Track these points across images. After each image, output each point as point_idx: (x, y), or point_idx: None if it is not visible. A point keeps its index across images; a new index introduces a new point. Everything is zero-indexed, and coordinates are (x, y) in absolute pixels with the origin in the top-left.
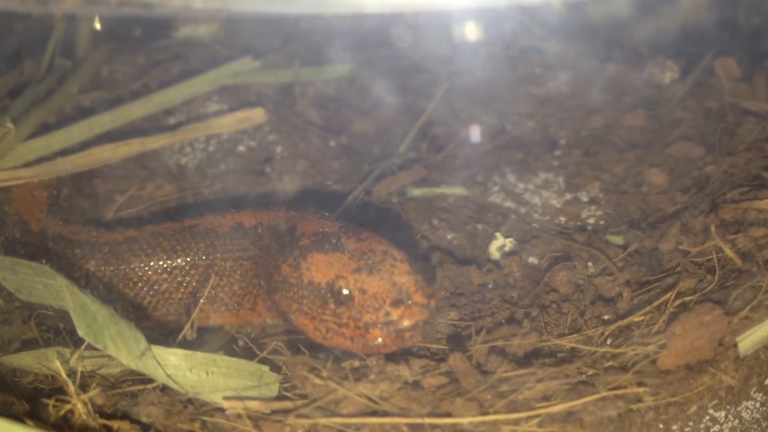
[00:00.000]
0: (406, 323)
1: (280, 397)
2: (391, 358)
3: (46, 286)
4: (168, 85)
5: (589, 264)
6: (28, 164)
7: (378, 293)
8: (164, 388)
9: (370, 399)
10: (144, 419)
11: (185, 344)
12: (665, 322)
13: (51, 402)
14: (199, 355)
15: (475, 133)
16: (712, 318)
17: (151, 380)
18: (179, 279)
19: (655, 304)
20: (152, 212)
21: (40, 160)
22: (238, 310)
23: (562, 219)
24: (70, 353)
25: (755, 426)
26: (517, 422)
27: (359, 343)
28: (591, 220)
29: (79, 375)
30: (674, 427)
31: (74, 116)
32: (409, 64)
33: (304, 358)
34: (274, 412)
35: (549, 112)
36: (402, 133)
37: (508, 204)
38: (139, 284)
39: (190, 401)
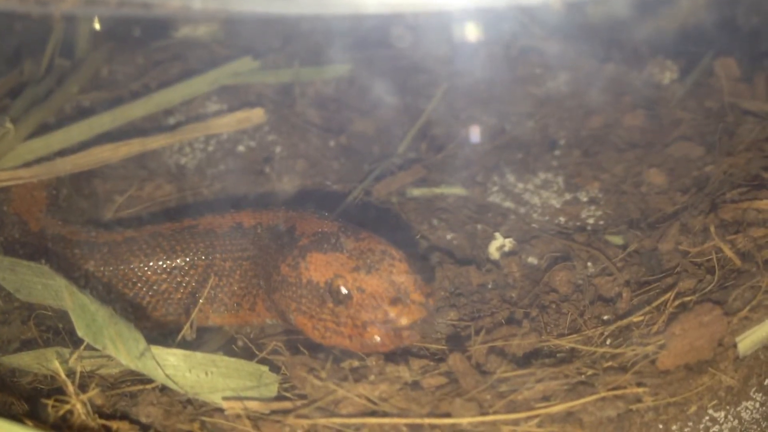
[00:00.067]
0: (404, 322)
1: (279, 398)
2: (391, 358)
3: (46, 287)
4: (167, 86)
5: (589, 264)
6: (27, 164)
7: (376, 292)
8: (163, 389)
9: (369, 399)
10: (143, 419)
11: (184, 344)
12: (665, 322)
13: (50, 402)
14: (199, 356)
15: (474, 133)
16: (711, 318)
17: (150, 380)
18: (178, 279)
19: (655, 304)
20: (151, 212)
21: (39, 160)
22: (238, 310)
23: (562, 219)
24: (70, 353)
25: (755, 426)
26: (516, 422)
27: (357, 342)
28: (590, 220)
29: (78, 375)
30: (674, 427)
31: (74, 116)
32: (408, 65)
33: (303, 358)
34: (274, 412)
35: (548, 112)
36: (402, 133)
37: (508, 204)
38: (139, 284)
39: (189, 401)
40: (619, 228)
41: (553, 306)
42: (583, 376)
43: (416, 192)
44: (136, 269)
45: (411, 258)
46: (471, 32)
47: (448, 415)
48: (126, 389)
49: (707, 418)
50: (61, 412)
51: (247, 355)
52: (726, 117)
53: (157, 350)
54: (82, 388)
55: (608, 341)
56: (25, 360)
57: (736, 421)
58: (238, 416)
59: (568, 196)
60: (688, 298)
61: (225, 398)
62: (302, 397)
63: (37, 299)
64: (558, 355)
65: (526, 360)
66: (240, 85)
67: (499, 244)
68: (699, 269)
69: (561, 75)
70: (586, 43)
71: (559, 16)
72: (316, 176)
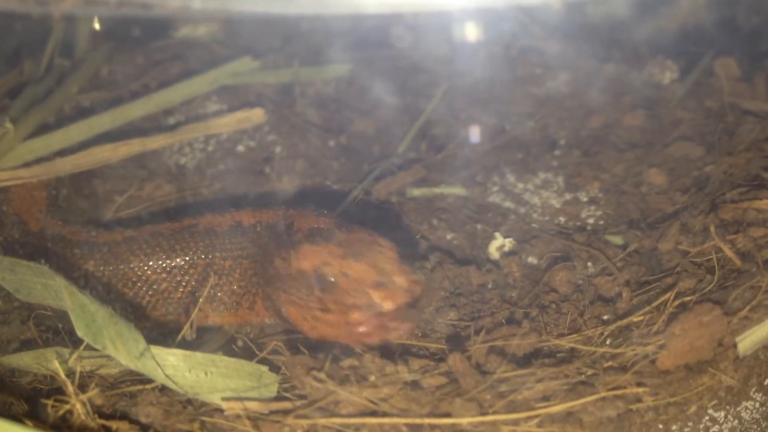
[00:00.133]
0: (387, 306)
1: (279, 398)
2: (390, 357)
3: (45, 287)
4: (167, 85)
5: (589, 264)
6: (27, 164)
7: (360, 277)
8: (163, 389)
9: (369, 399)
10: (143, 419)
11: (184, 344)
12: (665, 322)
13: (50, 402)
14: (198, 356)
15: (474, 133)
16: (711, 318)
17: (150, 380)
18: (178, 278)
19: (655, 304)
20: (151, 212)
21: (39, 160)
22: (237, 309)
23: (562, 219)
24: (69, 353)
25: (755, 426)
26: (516, 422)
27: (344, 331)
28: (590, 220)
29: (77, 375)
30: (674, 427)
31: (73, 116)
32: (408, 65)
33: (303, 358)
34: (273, 412)
35: (548, 112)
36: (401, 133)
37: (508, 204)
38: (138, 284)
39: (189, 401)
40: (619, 228)
41: (553, 306)
42: (583, 376)
43: (416, 192)
44: (135, 269)
45: (405, 252)
46: (471, 32)
47: (448, 415)
48: (126, 389)
49: (707, 418)
50: (61, 412)
51: (247, 355)
52: (726, 117)
53: (157, 350)
54: (82, 388)
55: (608, 341)
56: (24, 360)
57: (736, 421)
58: (238, 416)
59: (568, 196)
60: (688, 298)
61: (225, 398)
62: (302, 397)
63: (36, 299)
64: (558, 355)
65: (526, 360)
66: (240, 85)
67: (499, 244)
68: (699, 269)
69: (561, 75)
70: (586, 43)
71: (559, 16)
72: (316, 176)
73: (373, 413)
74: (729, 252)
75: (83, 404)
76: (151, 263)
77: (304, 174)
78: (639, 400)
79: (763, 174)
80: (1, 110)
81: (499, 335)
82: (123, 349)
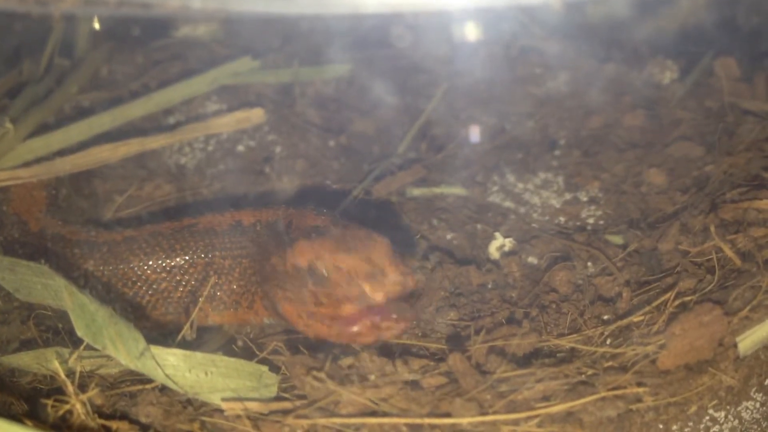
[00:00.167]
0: (379, 297)
1: (279, 398)
2: (390, 357)
3: (45, 286)
4: (167, 85)
5: (589, 264)
6: (26, 164)
7: (352, 269)
8: (163, 389)
9: (369, 399)
10: (143, 419)
11: (184, 344)
12: (665, 322)
13: (50, 402)
14: (198, 356)
15: (474, 133)
16: (711, 318)
17: (150, 380)
18: (178, 278)
19: (655, 304)
20: (151, 212)
21: (39, 160)
22: (237, 308)
23: (562, 219)
24: (69, 353)
25: (755, 426)
26: (516, 422)
27: (337, 330)
28: (590, 220)
29: (77, 375)
30: (674, 427)
31: (73, 116)
32: (408, 64)
33: (303, 358)
34: (273, 412)
35: (548, 112)
36: (401, 133)
37: (508, 204)
38: (138, 284)
39: (189, 401)
40: (619, 228)
41: (553, 306)
42: (583, 376)
43: (416, 192)
44: (135, 268)
45: (401, 249)
46: (471, 32)
47: (448, 415)
48: (126, 389)
49: (707, 418)
50: (61, 412)
51: (247, 355)
52: (726, 117)
53: (157, 350)
54: (82, 388)
55: (608, 341)
56: (24, 360)
57: (737, 421)
58: (238, 416)
59: (568, 196)
60: (689, 298)
61: (225, 399)
62: (302, 397)
63: (36, 299)
64: (558, 355)
65: (526, 360)
66: (240, 85)
67: (499, 244)
68: (699, 269)
69: (561, 75)
70: (586, 43)
71: (559, 16)
72: (315, 176)
73: (373, 413)
74: (729, 252)
75: (83, 404)
76: (150, 263)
77: (304, 174)
78: (639, 400)
79: (763, 174)
80: (1, 110)
81: (499, 335)
82: (123, 348)
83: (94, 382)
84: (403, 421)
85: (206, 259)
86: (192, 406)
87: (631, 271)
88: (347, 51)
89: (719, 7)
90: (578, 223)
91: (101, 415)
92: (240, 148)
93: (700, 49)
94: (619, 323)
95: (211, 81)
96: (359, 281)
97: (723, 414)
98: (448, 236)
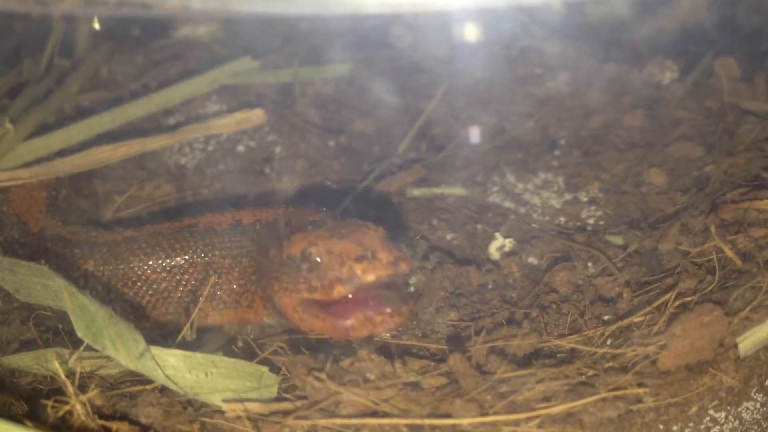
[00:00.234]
0: (369, 278)
1: (279, 399)
2: (390, 358)
3: (45, 287)
4: (167, 85)
5: (589, 264)
6: (26, 164)
7: (343, 252)
8: (163, 389)
9: (369, 400)
10: (143, 420)
11: (184, 345)
12: (665, 322)
13: (50, 403)
14: (198, 356)
15: (474, 134)
16: (712, 318)
17: (150, 381)
18: (178, 278)
19: (655, 304)
20: (151, 212)
21: (39, 161)
22: (236, 308)
23: (562, 219)
24: (69, 354)
25: (756, 427)
26: (516, 423)
27: (331, 323)
28: (591, 221)
29: (77, 376)
30: (674, 427)
31: (73, 116)
32: (408, 65)
33: (304, 358)
34: (274, 413)
35: (549, 112)
36: (401, 133)
37: (508, 204)
38: (138, 284)
39: (189, 402)
40: (620, 228)
41: (554, 306)
42: (583, 377)
43: (416, 192)
44: (135, 268)
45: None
46: (471, 32)
47: (448, 415)
48: (126, 390)
49: (708, 418)
50: (61, 413)
51: (248, 355)
52: (726, 117)
53: (157, 351)
54: (82, 388)
55: (609, 341)
56: (24, 360)
57: (737, 422)
58: (238, 417)
59: (568, 196)
60: (689, 299)
61: (225, 399)
62: (302, 397)
63: (36, 300)
64: (558, 355)
65: (527, 360)
66: (240, 85)
67: (499, 244)
68: (699, 269)
69: (561, 75)
70: (586, 43)
71: (559, 16)
72: (316, 176)
73: (374, 414)
74: (729, 252)
75: (83, 405)
76: (150, 263)
77: (304, 174)
78: (640, 401)
79: (763, 174)
80: (0, 110)
81: (500, 336)
82: (123, 349)
83: (94, 383)
84: (403, 421)
85: (206, 258)
86: (192, 407)
87: (631, 272)
88: (347, 51)
89: (719, 7)
90: (578, 224)
91: (101, 416)
92: (240, 148)
93: (700, 49)
94: (620, 324)
95: (211, 81)
96: (350, 263)
97: (723, 414)
98: (448, 236)
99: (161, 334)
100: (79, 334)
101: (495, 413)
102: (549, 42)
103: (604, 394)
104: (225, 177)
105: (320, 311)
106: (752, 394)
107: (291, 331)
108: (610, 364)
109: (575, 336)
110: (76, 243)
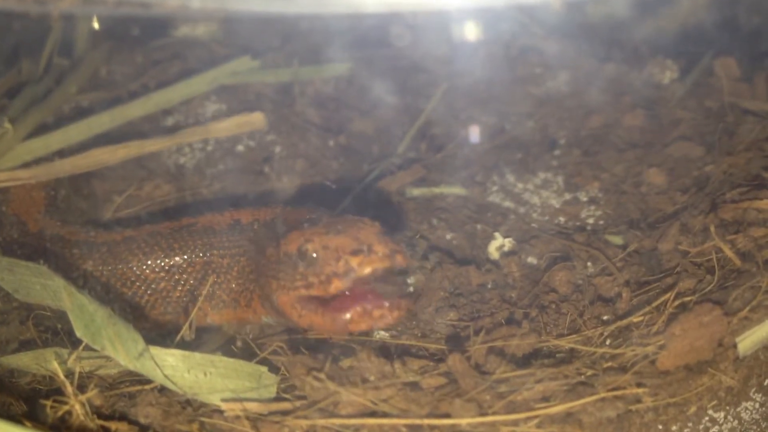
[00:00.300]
0: (365, 270)
1: (278, 398)
2: (389, 357)
3: (44, 287)
4: (166, 85)
5: (589, 264)
6: (26, 165)
7: (339, 246)
8: (162, 389)
9: (369, 400)
10: (142, 420)
11: (183, 345)
12: (664, 322)
13: (49, 403)
14: (197, 356)
15: (474, 133)
16: (711, 318)
17: (149, 381)
18: (176, 277)
19: (655, 304)
20: (150, 212)
21: (38, 161)
22: (235, 307)
23: (562, 219)
24: (68, 354)
25: (755, 427)
26: (516, 423)
27: (330, 317)
28: (590, 220)
29: (77, 376)
30: (673, 427)
31: (72, 116)
32: (408, 64)
33: (303, 358)
34: (273, 413)
35: (548, 112)
36: (401, 132)
37: (508, 204)
38: (137, 283)
39: (188, 402)
40: (619, 228)
41: (553, 306)
42: (582, 377)
43: (416, 192)
44: (134, 268)
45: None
46: (470, 32)
47: (447, 415)
48: (125, 390)
49: (707, 418)
50: (60, 413)
51: (247, 355)
52: (726, 117)
53: (156, 351)
54: (81, 388)
55: (608, 341)
56: (23, 360)
57: (736, 422)
58: (237, 417)
59: (567, 196)
60: (688, 299)
61: (224, 399)
62: (301, 397)
63: (35, 299)
64: (557, 355)
65: (526, 360)
66: (239, 85)
67: (498, 244)
68: (699, 269)
69: (561, 75)
70: (586, 42)
71: (558, 15)
72: (315, 176)
73: (373, 414)
74: (729, 252)
75: (82, 405)
76: (149, 262)
77: (303, 174)
78: (639, 401)
79: (763, 174)
80: None
81: (499, 335)
82: (122, 349)
83: (93, 383)
84: (402, 421)
85: (205, 258)
86: (191, 407)
87: (630, 272)
88: (347, 50)
89: (719, 7)
90: (578, 223)
91: (100, 416)
92: (239, 148)
93: (700, 49)
94: (619, 323)
95: (210, 81)
96: (346, 257)
97: (722, 414)
98: (448, 236)
99: (160, 334)
100: (78, 334)
101: (494, 413)
102: (548, 42)
103: (603, 394)
104: (224, 177)
105: (319, 306)
106: (751, 394)
107: (290, 331)
108: (610, 364)
109: (574, 336)
110: (75, 243)
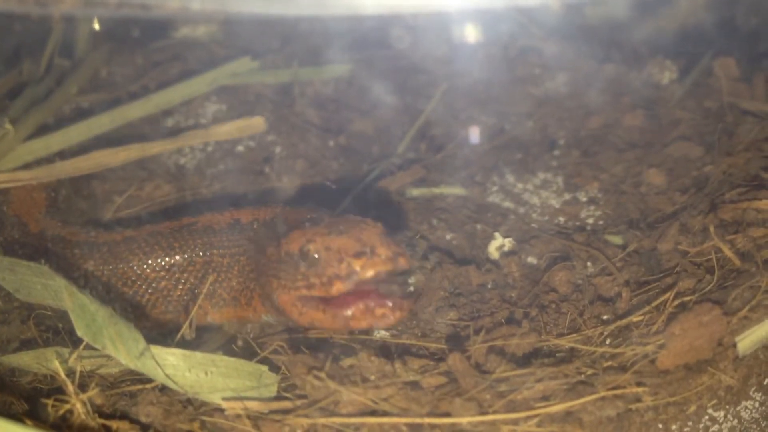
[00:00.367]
0: (368, 273)
1: (279, 397)
2: (389, 357)
3: (45, 287)
4: (167, 86)
5: (588, 264)
6: (27, 166)
7: (342, 248)
8: (163, 388)
9: (369, 399)
10: (143, 419)
11: (184, 344)
12: (664, 322)
13: (50, 402)
14: (198, 355)
15: (474, 134)
16: (711, 318)
17: (150, 380)
18: (177, 276)
19: (654, 304)
20: (151, 212)
21: (39, 162)
22: (235, 306)
23: (561, 219)
24: (69, 353)
25: (754, 426)
26: (516, 422)
27: (331, 315)
28: (590, 220)
29: (78, 375)
30: (673, 426)
31: (73, 117)
32: (408, 65)
33: (304, 357)
34: (273, 411)
35: (548, 112)
36: (401, 133)
37: (507, 204)
38: (138, 282)
39: (189, 401)
40: (619, 228)
41: (553, 306)
42: (582, 376)
43: (416, 192)
44: (135, 267)
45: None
46: (470, 33)
47: (447, 414)
48: (126, 389)
49: (707, 417)
50: (61, 412)
51: (248, 354)
52: (725, 117)
53: (157, 350)
54: (82, 387)
55: (608, 341)
56: (24, 359)
57: (736, 421)
58: (238, 416)
59: (567, 196)
60: (688, 298)
61: (225, 398)
62: (302, 396)
63: (36, 299)
64: (557, 354)
65: (526, 360)
66: (239, 86)
67: (498, 244)
68: (698, 269)
69: (560, 75)
70: (585, 43)
71: (557, 16)
72: (315, 176)
73: (373, 413)
74: (728, 252)
75: (83, 404)
76: (150, 262)
77: (303, 174)
78: (638, 400)
79: (762, 174)
80: (0, 111)
81: (499, 335)
82: (123, 348)
83: (94, 382)
84: (402, 420)
85: (205, 257)
86: (192, 406)
87: (630, 271)
88: (346, 51)
89: (718, 8)
90: (578, 223)
91: (101, 415)
92: (239, 148)
93: (699, 50)
94: (619, 323)
95: (210, 82)
96: (348, 259)
97: (722, 413)
98: (448, 236)
99: (161, 333)
100: (79, 333)
101: (494, 412)
102: (548, 42)
103: (603, 393)
104: (225, 177)
105: (320, 302)
106: (751, 393)
107: (291, 331)
108: (609, 363)
109: (574, 335)
110: (76, 243)
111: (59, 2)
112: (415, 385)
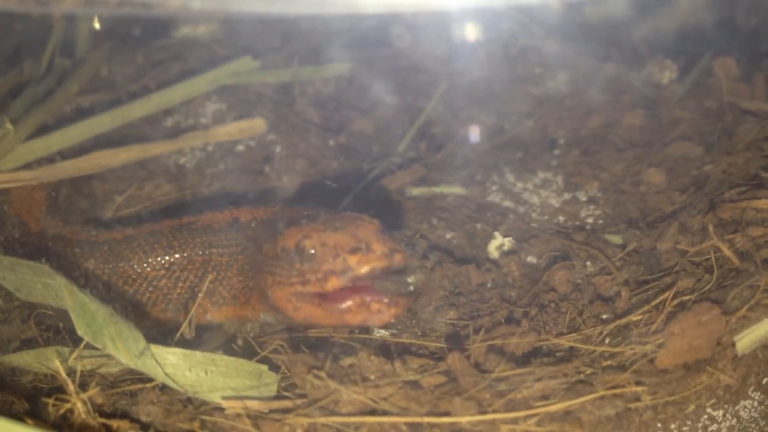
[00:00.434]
0: (363, 269)
1: (279, 397)
2: (389, 356)
3: (46, 286)
4: (167, 86)
5: (588, 263)
6: (27, 165)
7: (337, 244)
8: (163, 387)
9: (369, 398)
10: (143, 418)
11: (184, 343)
12: (663, 321)
13: (50, 401)
14: (198, 355)
15: (474, 133)
16: (710, 317)
17: (150, 379)
18: (177, 275)
19: (654, 303)
20: (151, 211)
21: (39, 161)
22: (235, 304)
23: (561, 218)
24: (70, 352)
25: (753, 425)
26: (515, 421)
27: (326, 311)
28: (590, 220)
29: (78, 374)
30: (672, 426)
31: (73, 117)
32: (408, 64)
33: (304, 357)
34: (273, 411)
35: (548, 111)
36: (401, 132)
37: (507, 203)
38: (138, 281)
39: (189, 400)
40: (618, 227)
41: (552, 305)
42: (581, 375)
43: (416, 191)
44: (135, 266)
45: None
46: (470, 32)
47: (447, 413)
48: (126, 388)
49: (706, 416)
50: (62, 411)
51: (248, 354)
52: (725, 116)
53: (157, 349)
54: (83, 386)
55: (607, 340)
56: (25, 359)
57: (735, 420)
58: (238, 415)
59: (567, 196)
60: (687, 297)
61: (225, 397)
62: (302, 395)
63: (37, 298)
64: (557, 354)
65: (525, 359)
66: (239, 85)
67: (498, 243)
68: (697, 268)
69: (560, 74)
70: (585, 42)
71: (558, 15)
72: (315, 175)
73: (373, 412)
74: (727, 251)
75: (84, 403)
76: (150, 260)
77: (303, 173)
78: (638, 399)
79: (761, 173)
80: (1, 110)
81: (498, 334)
82: (123, 347)
83: (95, 381)
84: (402, 420)
85: (204, 255)
86: (192, 405)
87: (629, 271)
88: (347, 50)
89: (718, 7)
90: (577, 223)
91: (102, 414)
92: (240, 147)
93: (699, 49)
94: (618, 322)
95: (210, 81)
96: (344, 254)
97: (721, 413)
98: (448, 235)
99: (161, 333)
100: (80, 332)
101: (494, 411)
102: (548, 41)
103: (602, 393)
104: (225, 176)
105: (315, 297)
106: (750, 393)
107: (291, 330)
108: (609, 362)
109: (574, 335)
110: (77, 242)
111: (60, 1)
112: (414, 384)
